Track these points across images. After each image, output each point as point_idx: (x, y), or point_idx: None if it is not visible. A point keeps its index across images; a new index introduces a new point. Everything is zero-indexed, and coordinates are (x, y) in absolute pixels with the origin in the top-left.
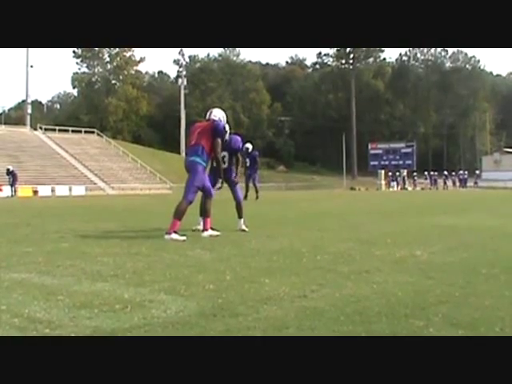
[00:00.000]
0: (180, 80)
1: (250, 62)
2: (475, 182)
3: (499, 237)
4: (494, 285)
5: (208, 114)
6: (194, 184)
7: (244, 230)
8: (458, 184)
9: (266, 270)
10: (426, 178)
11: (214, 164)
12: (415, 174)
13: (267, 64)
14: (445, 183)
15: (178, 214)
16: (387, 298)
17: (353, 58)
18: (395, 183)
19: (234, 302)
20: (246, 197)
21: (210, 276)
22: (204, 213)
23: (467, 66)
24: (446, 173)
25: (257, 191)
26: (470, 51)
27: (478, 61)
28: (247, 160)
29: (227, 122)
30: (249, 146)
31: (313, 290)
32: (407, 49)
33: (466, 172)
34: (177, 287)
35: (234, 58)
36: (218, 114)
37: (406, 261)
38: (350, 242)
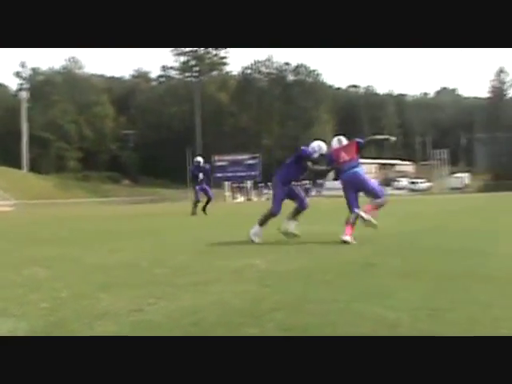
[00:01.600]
0: (22, 93)
1: (94, 75)
2: (318, 191)
3: (335, 243)
4: (328, 290)
5: (337, 141)
6: (372, 185)
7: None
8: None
9: (103, 285)
10: (270, 189)
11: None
12: (260, 184)
13: (112, 77)
14: None
15: (378, 206)
16: (224, 308)
17: (197, 71)
18: (240, 194)
19: (68, 320)
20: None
21: (44, 294)
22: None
23: (309, 79)
24: None
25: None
26: (312, 65)
27: (320, 74)
28: (200, 174)
29: None
30: (200, 159)
31: (150, 304)
32: (251, 62)
33: (310, 181)
34: (9, 308)
35: (78, 71)
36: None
37: (245, 270)
38: (190, 253)
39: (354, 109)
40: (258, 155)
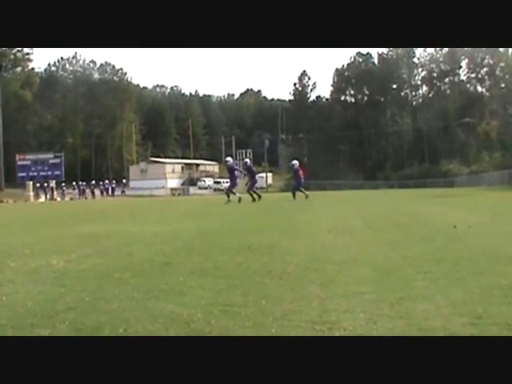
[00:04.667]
0: None
1: None
2: (123, 191)
3: (136, 242)
4: (125, 288)
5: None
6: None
7: None
8: (105, 193)
9: None
10: (74, 188)
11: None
12: (64, 184)
13: None
14: (93, 193)
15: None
16: (16, 310)
17: None
18: (44, 194)
19: None
20: (254, 199)
21: None
22: None
23: (115, 77)
24: (93, 182)
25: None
26: (118, 63)
27: (125, 73)
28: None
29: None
30: (247, 160)
31: None
32: (56, 59)
33: (114, 181)
34: None
35: None
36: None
37: (40, 270)
38: None
39: (160, 108)
40: (61, 154)
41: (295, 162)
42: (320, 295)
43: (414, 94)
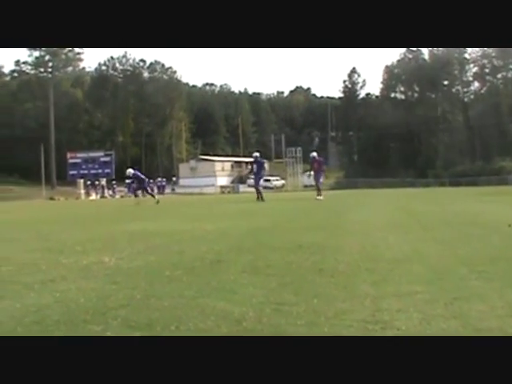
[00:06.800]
0: None
1: None
2: (173, 189)
3: (186, 240)
4: (176, 286)
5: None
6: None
7: None
8: (156, 191)
9: None
10: (125, 186)
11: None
12: (114, 182)
13: None
14: (145, 190)
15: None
16: (68, 306)
17: (51, 67)
18: (95, 192)
19: None
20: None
21: None
22: None
23: (164, 76)
24: (146, 180)
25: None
26: (168, 62)
27: (175, 72)
28: (254, 166)
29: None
30: (257, 154)
31: None
32: (106, 58)
33: (164, 179)
34: None
35: None
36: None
37: (92, 267)
38: (37, 252)
39: (210, 107)
40: (111, 152)
41: (314, 154)
42: (372, 294)
43: (465, 90)
